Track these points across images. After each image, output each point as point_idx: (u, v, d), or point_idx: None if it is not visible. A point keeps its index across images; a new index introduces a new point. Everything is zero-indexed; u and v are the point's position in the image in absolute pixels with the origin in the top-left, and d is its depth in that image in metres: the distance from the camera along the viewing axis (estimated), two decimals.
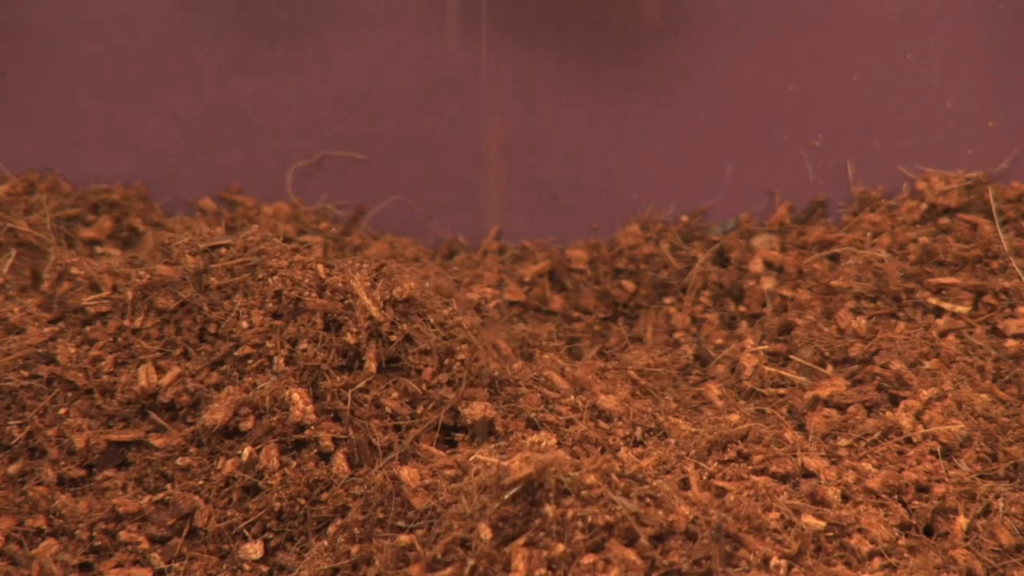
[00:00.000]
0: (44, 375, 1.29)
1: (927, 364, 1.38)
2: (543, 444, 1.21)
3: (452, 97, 1.76)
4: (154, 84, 1.76)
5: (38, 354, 1.30)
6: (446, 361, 1.30)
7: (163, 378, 1.29)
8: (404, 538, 1.11)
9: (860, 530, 1.15)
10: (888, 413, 1.31)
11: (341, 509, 1.22)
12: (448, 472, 1.18)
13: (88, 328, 1.32)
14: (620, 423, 1.29)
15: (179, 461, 1.25)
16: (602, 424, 1.30)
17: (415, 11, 1.74)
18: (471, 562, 1.04)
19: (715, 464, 1.22)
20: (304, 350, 1.27)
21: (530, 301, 1.67)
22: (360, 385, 1.27)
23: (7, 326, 1.34)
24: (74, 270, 1.37)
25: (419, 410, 1.27)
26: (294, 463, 1.24)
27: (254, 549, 1.22)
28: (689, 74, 1.73)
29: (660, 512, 1.08)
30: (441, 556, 1.06)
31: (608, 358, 1.50)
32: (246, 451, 1.24)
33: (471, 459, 1.17)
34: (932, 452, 1.25)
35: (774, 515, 1.13)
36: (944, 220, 1.59)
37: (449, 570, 1.05)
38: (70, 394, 1.28)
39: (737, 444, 1.25)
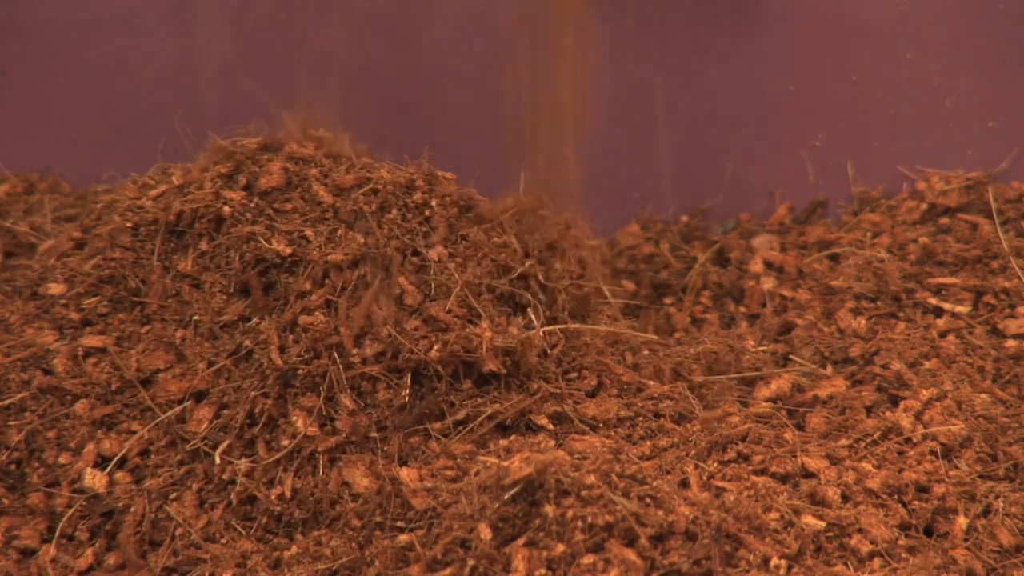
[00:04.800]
0: (42, 379, 1.28)
1: (927, 364, 1.38)
2: (543, 445, 1.21)
3: (452, 97, 1.76)
4: (154, 84, 1.76)
5: (36, 357, 1.30)
6: None
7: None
8: (404, 538, 1.11)
9: (860, 530, 1.15)
10: (888, 413, 1.31)
11: (340, 509, 1.22)
12: (448, 472, 1.18)
13: (87, 328, 1.32)
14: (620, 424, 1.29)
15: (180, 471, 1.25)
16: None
17: (413, 10, 1.74)
18: (471, 562, 1.04)
19: (715, 464, 1.22)
20: None
21: None
22: None
23: (5, 326, 1.34)
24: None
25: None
26: (294, 464, 1.24)
27: (254, 547, 1.22)
28: (689, 73, 1.73)
29: (660, 512, 1.07)
30: (441, 556, 1.06)
31: None
32: (243, 464, 1.24)
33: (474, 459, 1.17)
34: (932, 452, 1.25)
35: (774, 515, 1.13)
36: (944, 220, 1.59)
37: (449, 570, 1.05)
38: (68, 397, 1.28)
39: (737, 444, 1.25)
